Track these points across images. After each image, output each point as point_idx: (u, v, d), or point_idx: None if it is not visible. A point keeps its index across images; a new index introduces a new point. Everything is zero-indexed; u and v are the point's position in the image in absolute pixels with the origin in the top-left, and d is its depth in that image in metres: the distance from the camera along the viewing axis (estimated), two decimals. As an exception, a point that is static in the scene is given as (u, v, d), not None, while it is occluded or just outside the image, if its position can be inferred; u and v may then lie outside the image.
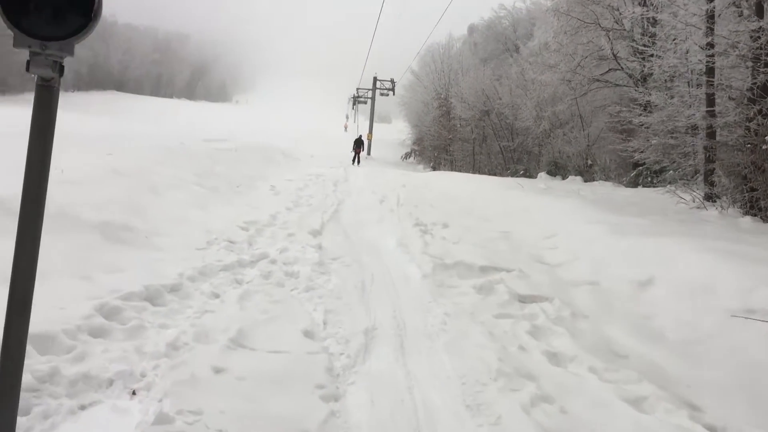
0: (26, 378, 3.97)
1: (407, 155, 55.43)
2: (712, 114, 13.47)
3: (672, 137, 16.15)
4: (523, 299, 7.22)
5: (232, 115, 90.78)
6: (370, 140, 49.03)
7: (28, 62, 2.24)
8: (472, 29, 68.32)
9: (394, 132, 74.12)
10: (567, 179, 22.73)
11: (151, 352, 4.86)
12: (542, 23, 37.47)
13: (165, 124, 45.38)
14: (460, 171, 33.64)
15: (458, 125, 41.09)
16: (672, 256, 7.58)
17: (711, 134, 13.70)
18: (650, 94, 16.98)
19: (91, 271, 6.31)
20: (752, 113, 11.83)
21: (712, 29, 13.09)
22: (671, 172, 17.05)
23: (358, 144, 37.98)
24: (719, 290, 6.39)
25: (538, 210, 12.36)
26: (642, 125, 17.29)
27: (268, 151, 24.30)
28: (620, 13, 20.36)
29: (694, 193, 13.16)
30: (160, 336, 5.21)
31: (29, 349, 4.33)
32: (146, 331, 5.31)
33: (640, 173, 19.80)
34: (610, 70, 22.37)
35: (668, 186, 15.02)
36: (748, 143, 11.95)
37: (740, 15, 12.93)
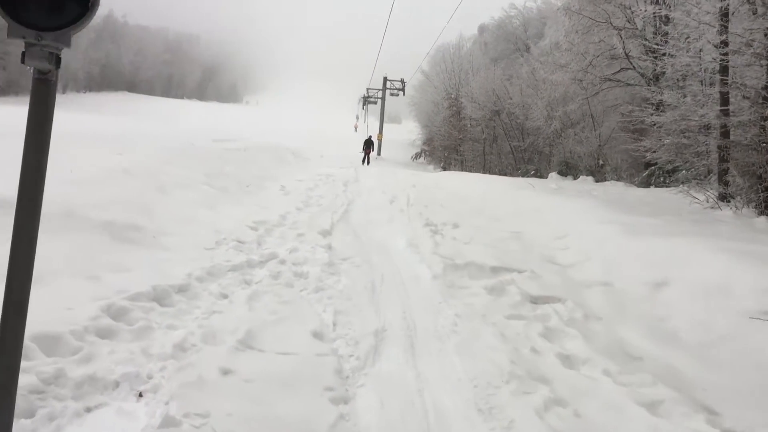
0: (31, 379, 3.93)
1: (417, 155, 55.28)
2: (726, 113, 13.31)
3: (685, 137, 15.97)
4: (535, 300, 7.13)
5: (242, 116, 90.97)
6: (380, 140, 48.95)
7: (23, 54, 2.15)
8: (482, 29, 68.20)
9: (404, 132, 74.03)
10: (578, 179, 22.56)
11: (158, 353, 4.80)
12: (553, 22, 37.38)
13: (176, 124, 45.48)
14: (470, 171, 33.49)
15: (468, 125, 40.93)
16: (686, 257, 7.46)
17: (725, 133, 13.53)
18: (663, 94, 16.80)
19: (98, 271, 6.25)
20: (767, 112, 11.67)
21: (726, 27, 12.93)
22: (684, 171, 16.89)
23: (368, 144, 37.96)
24: (735, 291, 6.28)
25: (549, 210, 12.25)
26: (654, 125, 17.11)
27: (278, 152, 24.26)
28: (632, 12, 20.19)
29: (708, 193, 13.02)
30: (168, 337, 5.15)
31: (35, 350, 4.31)
32: (153, 332, 5.25)
33: (652, 173, 19.62)
34: (621, 69, 22.17)
35: (681, 186, 14.86)
36: (763, 142, 11.81)
37: (754, 13, 12.76)
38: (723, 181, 13.26)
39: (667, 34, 18.59)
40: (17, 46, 2.24)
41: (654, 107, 17.68)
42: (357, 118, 75.10)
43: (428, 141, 56.34)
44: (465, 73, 51.46)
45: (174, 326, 5.45)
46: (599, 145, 25.23)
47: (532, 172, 28.20)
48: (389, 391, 4.63)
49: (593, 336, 6.04)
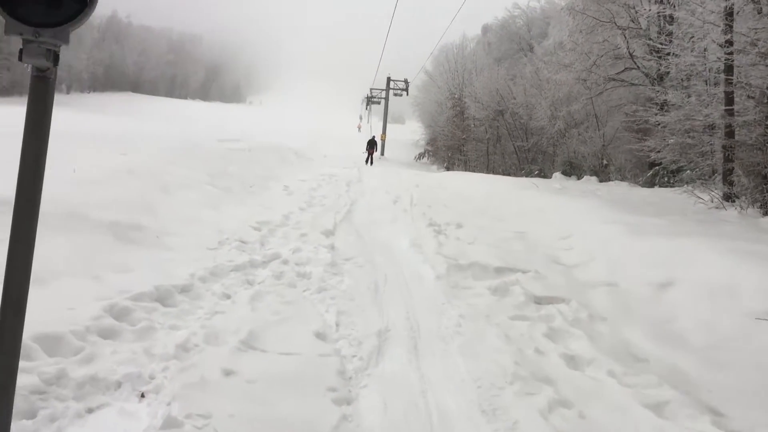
0: (33, 380, 3.91)
1: (421, 155, 55.20)
2: (730, 113, 13.24)
3: (689, 136, 15.90)
4: (539, 301, 7.09)
5: (245, 116, 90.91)
6: (383, 141, 48.94)
7: (21, 51, 2.11)
8: (486, 29, 68.05)
9: (408, 132, 73.91)
10: (582, 179, 22.51)
11: (161, 353, 4.78)
12: (557, 22, 37.33)
13: (179, 124, 45.49)
14: (474, 171, 33.45)
15: (472, 125, 40.91)
16: (691, 257, 7.41)
17: (730, 133, 13.47)
18: (667, 93, 16.74)
19: (101, 271, 6.25)
20: (772, 112, 11.62)
21: (731, 26, 12.88)
22: (688, 171, 16.82)
23: (371, 145, 38.01)
24: (741, 292, 6.23)
25: (553, 210, 12.21)
26: (658, 124, 17.06)
27: (282, 152, 24.23)
28: (636, 12, 20.13)
29: (713, 193, 12.96)
30: (170, 337, 5.14)
31: (37, 350, 4.29)
32: (156, 332, 5.24)
33: (656, 173, 19.56)
34: (625, 69, 22.11)
35: (686, 186, 14.80)
36: (768, 142, 11.74)
37: (759, 12, 12.71)
38: (728, 181, 13.20)
39: (671, 33, 18.53)
40: (19, 44, 2.18)
41: (658, 107, 17.60)
42: (360, 118, 75.05)
43: (431, 141, 56.28)
44: (468, 73, 51.43)
45: (176, 326, 5.44)
46: (603, 145, 25.17)
47: (536, 172, 28.15)
48: (392, 392, 4.60)
49: (598, 337, 6.01)
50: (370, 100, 60.73)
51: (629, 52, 20.84)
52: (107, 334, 4.94)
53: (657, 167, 19.39)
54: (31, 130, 2.10)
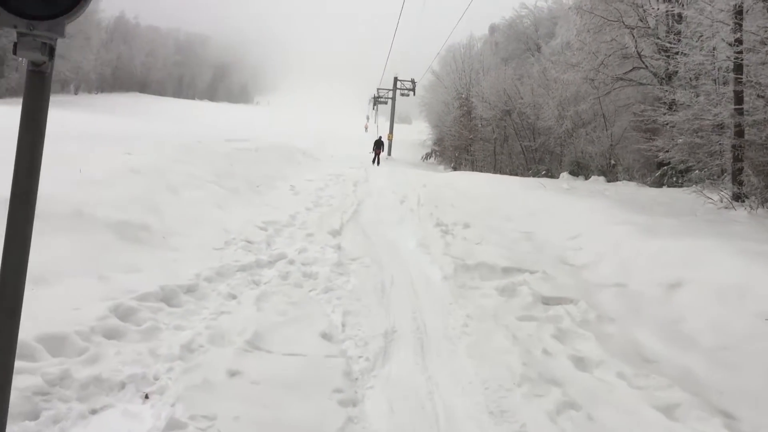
0: (36, 381, 3.88)
1: (427, 156, 55.15)
2: (740, 112, 13.15)
3: (698, 136, 15.80)
4: (548, 301, 7.03)
5: (252, 116, 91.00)
6: (390, 141, 48.89)
7: (15, 45, 2.04)
8: (493, 29, 68.04)
9: (415, 133, 73.85)
10: (590, 179, 22.41)
11: (166, 354, 4.75)
12: (564, 22, 37.24)
13: (187, 124, 45.55)
14: (481, 171, 33.35)
15: (479, 125, 40.81)
16: (701, 258, 7.33)
17: (739, 132, 13.37)
18: (675, 93, 16.64)
19: (106, 271, 6.21)
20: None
21: (740, 25, 12.78)
22: (697, 171, 16.71)
23: (378, 145, 37.96)
24: (752, 293, 6.16)
25: (561, 210, 12.14)
26: (667, 124, 16.96)
27: (289, 152, 24.18)
28: (644, 11, 20.03)
29: (722, 193, 12.86)
30: (175, 338, 5.10)
31: (41, 350, 4.26)
32: (161, 332, 5.20)
33: (665, 173, 19.45)
34: (633, 68, 21.99)
35: (694, 186, 14.70)
36: (779, 141, 11.65)
37: (769, 10, 12.62)
38: (737, 180, 13.10)
39: (679, 32, 18.44)
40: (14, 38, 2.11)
41: (667, 106, 17.51)
42: (367, 118, 75.11)
43: (438, 141, 56.24)
44: (476, 73, 51.34)
45: (182, 327, 5.41)
46: (611, 145, 25.06)
47: (543, 172, 28.05)
48: (399, 394, 4.56)
49: (607, 338, 5.94)
50: (377, 100, 60.72)
51: (637, 51, 20.73)
52: (112, 335, 4.91)
53: (665, 167, 19.28)
54: (26, 127, 2.04)
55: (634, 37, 20.55)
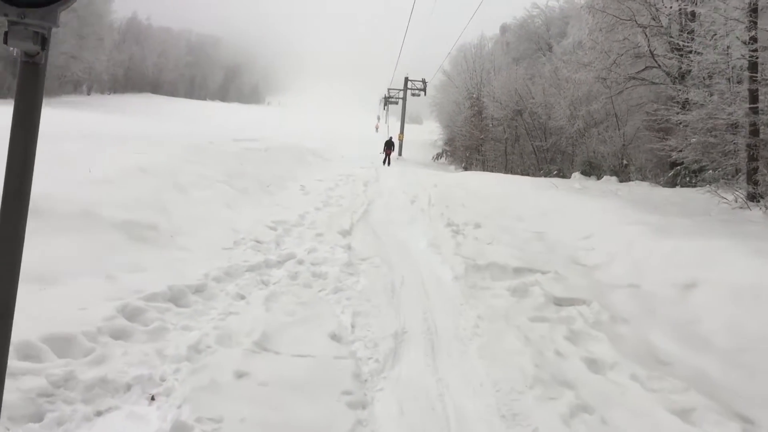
0: (40, 382, 3.84)
1: (438, 156, 55.06)
2: (755, 111, 12.99)
3: (712, 135, 15.63)
4: (560, 302, 6.94)
5: (263, 116, 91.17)
6: (401, 141, 48.83)
7: (5, 34, 1.96)
8: (504, 29, 67.85)
9: (425, 133, 73.74)
10: (602, 179, 22.25)
11: (173, 355, 4.69)
12: (576, 21, 37.05)
13: (198, 125, 45.66)
14: (492, 171, 33.24)
15: (490, 125, 40.71)
16: (716, 258, 7.20)
17: (754, 131, 13.20)
18: (689, 92, 16.47)
19: (114, 271, 6.18)
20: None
21: (755, 23, 12.62)
22: (711, 171, 16.52)
23: (389, 145, 37.96)
24: (768, 293, 6.03)
25: (573, 210, 12.02)
26: (680, 123, 16.79)
27: (299, 152, 24.18)
28: (657, 9, 19.84)
29: (737, 193, 12.69)
30: (183, 338, 5.05)
31: (47, 351, 4.22)
32: (168, 333, 5.15)
33: (678, 173, 19.25)
34: (646, 67, 21.79)
35: (708, 186, 14.52)
36: (795, 141, 11.49)
37: (785, 8, 12.46)
38: (752, 180, 12.93)
39: (693, 31, 18.22)
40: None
41: (680, 106, 17.33)
42: (378, 118, 74.89)
43: (449, 141, 56.14)
44: (487, 73, 51.24)
45: (189, 327, 5.36)
46: (623, 145, 24.88)
47: (555, 172, 27.89)
48: (409, 396, 4.48)
49: (620, 339, 5.84)
50: (387, 101, 60.57)
51: (650, 50, 20.53)
52: (119, 335, 4.86)
53: (679, 167, 19.08)
54: (19, 121, 1.96)
55: (646, 35, 20.36)
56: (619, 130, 25.33)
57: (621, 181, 21.51)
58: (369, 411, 4.26)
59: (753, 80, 12.95)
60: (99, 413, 3.82)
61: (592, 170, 25.22)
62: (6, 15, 1.97)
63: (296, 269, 7.63)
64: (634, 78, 22.14)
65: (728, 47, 14.55)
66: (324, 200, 13.58)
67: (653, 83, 21.83)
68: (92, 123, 23.37)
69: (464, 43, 56.68)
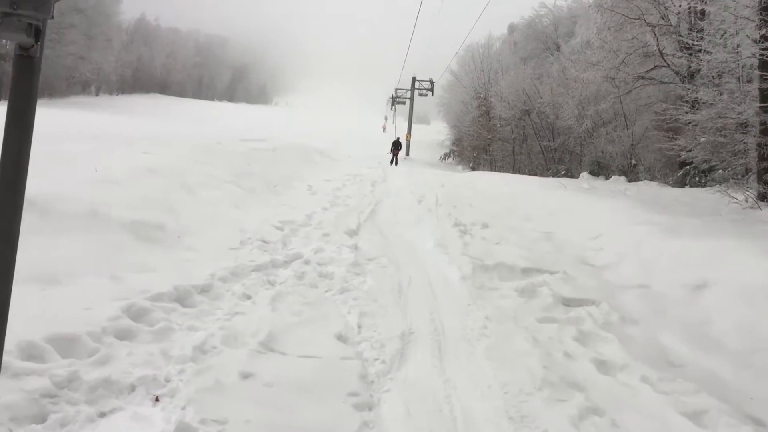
0: (44, 383, 3.81)
1: (446, 156, 54.98)
2: (765, 110, 12.86)
3: (721, 135, 15.50)
4: (568, 303, 6.87)
5: (271, 116, 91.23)
6: (408, 141, 48.78)
7: None
8: (512, 28, 67.77)
9: (433, 133, 73.67)
10: (610, 179, 22.13)
11: (178, 355, 4.65)
12: (584, 20, 36.90)
13: (206, 125, 45.75)
14: (499, 171, 33.14)
15: (498, 125, 40.62)
16: (727, 258, 7.13)
17: (765, 131, 13.07)
18: (698, 91, 16.35)
19: (119, 271, 6.15)
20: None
21: (765, 21, 12.50)
22: (721, 171, 16.40)
23: (396, 145, 37.95)
24: (780, 294, 5.95)
25: (581, 210, 11.95)
26: (689, 123, 16.67)
27: (306, 152, 24.16)
28: (666, 8, 19.70)
29: (747, 193, 12.58)
30: (188, 339, 5.01)
31: (51, 351, 4.19)
32: (174, 333, 5.11)
33: (687, 173, 19.11)
34: (655, 66, 21.65)
35: (718, 186, 14.41)
36: (806, 140, 11.37)
37: (796, 6, 12.33)
38: (762, 180, 12.82)
39: (702, 30, 18.08)
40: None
41: (689, 105, 17.21)
42: (385, 118, 74.80)
43: (457, 141, 56.05)
44: (494, 73, 51.06)
45: (195, 327, 5.32)
46: (632, 145, 24.75)
47: (563, 172, 27.78)
48: (416, 397, 4.43)
49: (630, 341, 5.77)
50: (395, 101, 60.48)
51: (659, 49, 20.39)
52: (124, 335, 4.83)
53: (688, 167, 18.95)
54: (14, 115, 1.90)
55: (655, 34, 20.23)
56: (627, 129, 25.20)
57: (630, 181, 21.38)
58: (375, 412, 4.21)
59: (763, 79, 12.83)
60: (102, 414, 3.78)
61: (601, 170, 25.10)
62: None
63: (303, 269, 7.58)
64: (642, 77, 22.01)
65: (738, 46, 14.43)
66: (331, 200, 13.54)
67: (662, 82, 21.70)
68: (101, 124, 23.43)
69: (472, 43, 56.63)
